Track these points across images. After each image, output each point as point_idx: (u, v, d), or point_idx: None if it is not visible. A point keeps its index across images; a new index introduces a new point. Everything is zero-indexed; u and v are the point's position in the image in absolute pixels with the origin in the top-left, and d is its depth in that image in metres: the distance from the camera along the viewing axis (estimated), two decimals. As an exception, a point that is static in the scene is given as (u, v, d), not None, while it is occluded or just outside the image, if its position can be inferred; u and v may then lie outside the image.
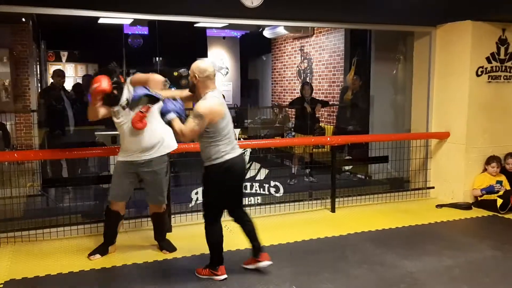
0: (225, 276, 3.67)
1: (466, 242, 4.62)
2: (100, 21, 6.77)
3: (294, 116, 8.09)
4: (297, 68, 10.24)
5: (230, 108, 10.41)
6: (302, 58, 10.03)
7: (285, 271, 3.85)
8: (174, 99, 3.67)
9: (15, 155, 4.94)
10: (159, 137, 3.93)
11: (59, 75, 6.68)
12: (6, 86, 8.24)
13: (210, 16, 5.10)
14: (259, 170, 5.55)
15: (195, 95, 3.62)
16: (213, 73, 3.57)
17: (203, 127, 3.39)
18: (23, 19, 8.12)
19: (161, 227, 4.32)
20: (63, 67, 9.66)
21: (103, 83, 3.66)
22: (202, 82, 3.51)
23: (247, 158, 5.52)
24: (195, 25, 7.40)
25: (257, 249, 3.79)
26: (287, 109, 9.24)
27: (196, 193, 5.21)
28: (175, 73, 10.95)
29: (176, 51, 8.74)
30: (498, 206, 5.47)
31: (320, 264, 4.00)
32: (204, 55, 10.06)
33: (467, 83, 5.77)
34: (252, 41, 10.98)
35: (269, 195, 5.56)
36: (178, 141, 4.09)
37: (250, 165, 5.53)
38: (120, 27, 8.20)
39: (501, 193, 5.58)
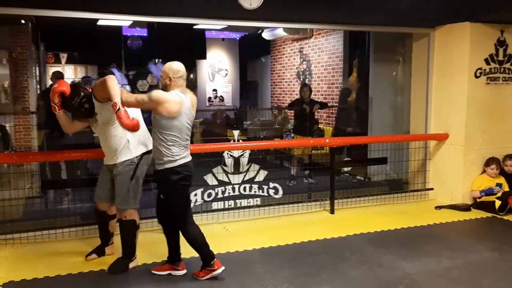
0: (223, 268, 3.67)
1: (465, 243, 4.62)
2: (99, 22, 6.78)
3: (293, 118, 8.10)
4: (296, 70, 10.25)
5: (229, 110, 10.44)
6: (301, 59, 10.04)
7: (284, 272, 3.85)
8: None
9: (14, 157, 4.94)
10: (123, 142, 3.79)
11: (58, 76, 6.68)
12: (5, 88, 8.24)
13: (209, 18, 5.11)
14: (258, 172, 5.54)
15: None
16: (185, 74, 3.64)
17: (148, 103, 3.46)
18: (23, 21, 8.12)
19: (121, 238, 3.93)
20: (63, 69, 9.65)
21: (61, 85, 3.70)
22: (175, 82, 3.58)
23: (245, 159, 5.53)
24: (194, 27, 7.41)
25: (177, 256, 3.82)
26: (286, 110, 9.26)
27: (195, 195, 5.21)
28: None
29: (175, 53, 8.72)
30: (497, 207, 5.47)
31: (319, 265, 4.00)
32: (203, 57, 10.08)
33: (465, 85, 5.78)
34: (251, 42, 11.00)
35: (268, 196, 5.56)
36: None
37: (249, 166, 5.53)
38: (119, 29, 8.21)
39: (499, 194, 5.58)
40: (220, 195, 5.36)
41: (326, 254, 4.28)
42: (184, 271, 3.79)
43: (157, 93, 3.48)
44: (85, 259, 4.07)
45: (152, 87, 9.20)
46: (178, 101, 3.50)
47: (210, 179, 5.33)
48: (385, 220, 5.30)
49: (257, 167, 5.55)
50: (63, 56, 10.03)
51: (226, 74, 11.44)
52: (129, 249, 3.93)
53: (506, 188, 5.75)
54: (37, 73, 8.56)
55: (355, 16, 5.51)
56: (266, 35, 9.73)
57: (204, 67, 11.18)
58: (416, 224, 5.15)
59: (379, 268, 3.96)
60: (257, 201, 5.52)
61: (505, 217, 5.42)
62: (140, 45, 9.14)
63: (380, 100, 7.18)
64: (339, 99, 8.46)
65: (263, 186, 5.54)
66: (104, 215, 4.10)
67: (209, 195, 5.30)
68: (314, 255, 4.25)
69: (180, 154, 3.54)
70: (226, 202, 5.40)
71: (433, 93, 6.18)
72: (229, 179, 5.41)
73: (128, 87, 3.81)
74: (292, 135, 7.79)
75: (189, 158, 3.65)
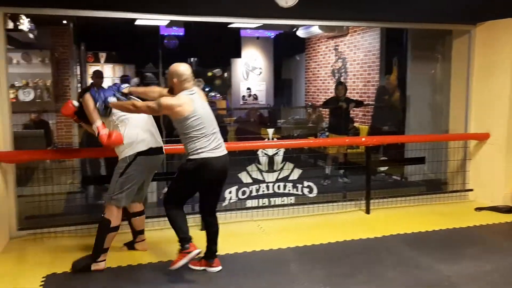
0: (199, 249, 3.64)
1: (506, 246, 4.47)
2: (137, 22, 6.91)
3: (327, 116, 8.04)
4: (331, 68, 10.16)
5: (263, 108, 10.44)
6: (336, 57, 9.94)
7: (318, 272, 3.83)
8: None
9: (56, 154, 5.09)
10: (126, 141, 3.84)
11: (98, 75, 6.88)
12: (47, 87, 8.55)
13: (245, 16, 5.13)
14: (292, 170, 5.53)
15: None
16: (190, 76, 3.68)
17: (159, 111, 3.58)
18: (64, 22, 8.40)
19: (97, 234, 3.88)
20: (102, 68, 9.92)
21: (65, 109, 3.98)
22: (179, 86, 3.65)
23: (280, 158, 5.53)
24: (230, 26, 7.45)
25: (212, 253, 3.83)
26: (320, 109, 9.19)
27: (230, 192, 5.26)
28: (209, 73, 11.09)
29: (211, 52, 8.82)
30: (541, 210, 5.28)
31: (354, 266, 3.96)
32: (238, 55, 10.12)
33: (508, 83, 5.58)
34: (285, 41, 10.96)
35: (302, 195, 5.54)
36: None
37: (284, 165, 5.53)
38: (156, 28, 8.35)
39: (544, 196, 5.37)
40: (254, 193, 5.38)
41: (361, 254, 4.23)
42: (219, 268, 3.82)
43: (166, 101, 3.55)
44: (120, 248, 4.24)
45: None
46: (188, 102, 3.56)
47: (244, 177, 5.36)
48: (422, 221, 5.19)
49: (291, 165, 5.54)
50: (102, 56, 10.29)
51: (260, 73, 11.45)
52: (95, 248, 3.82)
53: (551, 190, 5.53)
54: (78, 72, 8.82)
55: (393, 13, 5.42)
56: (300, 33, 9.69)
57: (239, 65, 11.23)
58: (455, 226, 5.02)
59: (416, 270, 3.88)
60: (291, 199, 5.51)
61: (550, 221, 5.22)
62: (176, 44, 9.27)
63: (418, 98, 7.04)
64: (375, 97, 8.34)
65: (297, 184, 5.52)
66: (125, 211, 4.13)
67: (243, 192, 5.33)
68: (349, 255, 4.21)
69: (203, 148, 3.59)
70: (260, 200, 5.41)
71: (474, 92, 6.00)
72: (263, 177, 5.43)
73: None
74: (327, 133, 7.73)
75: (216, 153, 3.64)
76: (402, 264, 3.99)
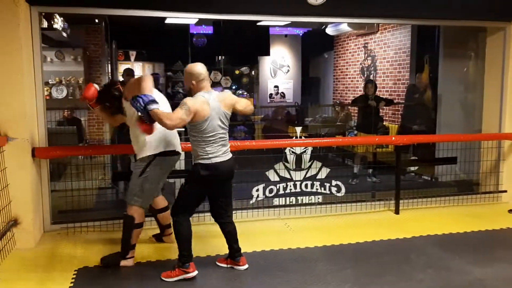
0: (196, 272, 3.64)
1: (542, 250, 4.34)
2: (167, 21, 7.00)
3: (356, 115, 7.95)
4: (360, 66, 10.04)
5: (290, 106, 10.41)
6: (366, 55, 9.82)
7: (347, 272, 3.80)
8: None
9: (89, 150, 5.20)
10: (141, 140, 3.83)
11: (129, 73, 6.98)
12: (80, 84, 8.74)
13: (274, 14, 5.13)
14: (320, 169, 5.50)
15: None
16: (207, 75, 3.65)
17: (189, 118, 3.43)
18: (96, 20, 8.57)
19: (122, 232, 3.94)
20: (132, 66, 10.07)
21: (87, 91, 3.95)
22: (198, 86, 3.60)
23: (308, 156, 5.50)
24: (258, 24, 7.45)
25: (235, 251, 3.83)
26: (349, 107, 9.10)
27: (257, 190, 5.27)
28: (237, 72, 11.12)
29: (239, 50, 8.85)
30: None
31: (383, 266, 3.91)
32: (267, 53, 10.11)
33: (545, 81, 5.41)
34: (314, 38, 10.90)
35: (330, 194, 5.50)
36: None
37: (311, 163, 5.50)
38: (186, 27, 8.43)
39: None
40: (281, 191, 5.37)
41: (390, 255, 4.17)
42: (246, 266, 3.82)
43: (192, 104, 3.43)
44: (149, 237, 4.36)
45: (215, 84, 9.38)
46: (205, 105, 3.51)
47: (271, 175, 5.36)
48: (453, 222, 5.08)
49: (319, 164, 5.50)
50: (132, 54, 10.44)
51: (288, 71, 11.42)
52: (123, 246, 3.89)
53: None
54: (109, 70, 8.99)
55: (425, 9, 5.31)
56: (329, 30, 9.61)
57: (266, 63, 11.22)
58: (488, 228, 4.90)
59: (447, 272, 3.80)
60: (318, 198, 5.49)
61: None
62: (205, 42, 9.33)
63: (449, 97, 6.89)
64: (405, 96, 8.20)
65: (325, 183, 5.49)
66: (151, 208, 4.23)
67: (271, 191, 5.33)
68: (378, 255, 4.16)
69: (214, 153, 3.57)
70: (288, 198, 5.41)
71: (509, 91, 5.83)
72: (290, 176, 5.42)
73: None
74: (355, 132, 7.65)
75: (224, 157, 3.64)
76: (432, 265, 3.92)
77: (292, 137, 6.34)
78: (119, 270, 3.83)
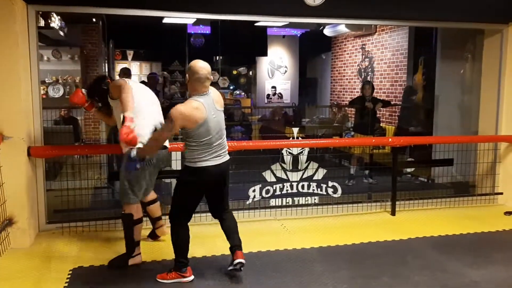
0: (192, 277, 3.61)
1: (538, 252, 4.34)
2: (165, 21, 6.98)
3: (353, 116, 7.95)
4: (358, 67, 10.05)
5: (287, 107, 10.42)
6: (363, 56, 9.83)
7: (343, 273, 3.80)
8: None
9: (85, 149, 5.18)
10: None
11: (126, 73, 6.97)
12: (77, 83, 8.71)
13: (272, 15, 5.12)
14: (316, 170, 5.50)
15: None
16: (205, 76, 3.41)
17: (173, 130, 3.35)
18: (94, 19, 8.54)
19: (124, 231, 3.96)
20: (129, 66, 10.04)
21: (74, 97, 4.08)
22: (191, 84, 3.43)
23: (304, 157, 5.50)
24: (256, 24, 7.45)
25: (232, 246, 3.67)
26: (346, 108, 9.10)
27: (254, 191, 5.26)
28: (235, 72, 11.11)
29: (237, 50, 8.83)
30: None
31: (379, 268, 3.91)
32: (264, 54, 10.11)
33: (542, 84, 5.42)
34: (312, 39, 10.89)
35: (327, 195, 5.50)
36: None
37: (308, 164, 5.50)
38: (183, 26, 8.41)
39: None
40: (278, 192, 5.37)
41: (386, 256, 4.17)
42: (240, 260, 3.59)
43: (177, 115, 3.29)
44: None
45: (212, 84, 9.36)
46: (197, 111, 3.34)
47: (268, 176, 5.35)
48: (449, 224, 5.08)
49: (315, 165, 5.50)
50: (130, 53, 10.43)
51: (286, 71, 11.42)
52: (128, 244, 3.90)
53: None
54: (106, 69, 8.96)
55: (423, 11, 5.31)
56: (327, 31, 9.61)
57: (264, 64, 11.22)
58: (484, 230, 4.90)
59: (443, 274, 3.80)
60: (315, 199, 5.48)
61: None
62: (202, 42, 9.32)
63: (446, 99, 6.90)
64: (402, 97, 8.21)
65: (321, 184, 5.48)
66: (140, 202, 4.15)
67: (267, 191, 5.32)
68: (374, 257, 4.16)
69: (203, 157, 3.45)
70: (284, 199, 5.40)
71: (505, 92, 5.84)
72: (287, 176, 5.41)
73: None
74: (352, 133, 7.65)
75: (215, 161, 3.49)
76: (428, 267, 3.92)
77: (289, 138, 6.34)
78: (114, 270, 3.82)
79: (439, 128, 6.89)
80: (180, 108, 3.33)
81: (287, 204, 5.39)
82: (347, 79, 10.58)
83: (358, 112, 7.34)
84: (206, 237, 4.54)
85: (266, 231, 4.85)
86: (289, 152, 5.44)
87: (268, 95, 11.29)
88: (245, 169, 5.45)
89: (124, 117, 3.54)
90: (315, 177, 5.49)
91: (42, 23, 6.60)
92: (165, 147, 4.03)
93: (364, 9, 5.13)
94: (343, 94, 10.67)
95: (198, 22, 8.63)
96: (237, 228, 3.76)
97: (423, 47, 7.68)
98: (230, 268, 3.61)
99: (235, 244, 3.66)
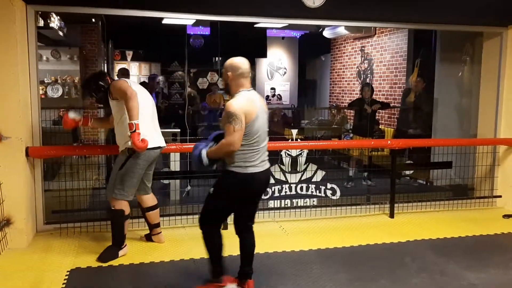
0: (235, 285, 3.37)
1: (536, 256, 4.34)
2: (164, 21, 6.97)
3: (352, 118, 7.95)
4: (357, 69, 10.06)
5: (286, 108, 10.40)
6: (363, 58, 9.83)
7: (341, 276, 3.79)
8: None
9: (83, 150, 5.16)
10: (125, 137, 3.90)
11: (124, 73, 6.97)
12: (75, 83, 8.70)
13: (272, 16, 5.11)
14: (315, 172, 5.50)
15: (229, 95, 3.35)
16: (247, 71, 3.23)
17: (243, 123, 3.05)
18: (93, 20, 8.53)
19: (111, 227, 4.09)
20: (128, 66, 10.04)
21: (65, 124, 4.19)
22: (235, 80, 3.21)
23: (303, 159, 5.49)
24: (255, 26, 7.44)
25: (246, 274, 3.41)
26: (345, 110, 9.10)
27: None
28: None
29: (236, 51, 8.77)
30: None
31: (377, 270, 3.90)
32: (264, 55, 10.11)
33: (541, 87, 5.42)
34: (311, 41, 10.89)
35: (325, 197, 5.50)
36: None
37: (307, 166, 5.49)
38: (183, 27, 8.40)
39: None
40: (276, 194, 5.36)
41: (385, 259, 4.16)
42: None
43: (238, 108, 3.05)
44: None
45: (211, 85, 9.36)
46: (252, 103, 3.14)
47: (267, 178, 5.34)
48: (448, 227, 5.08)
49: (314, 167, 5.50)
50: (129, 54, 10.43)
51: (285, 73, 11.42)
52: (117, 237, 4.04)
53: None
54: (105, 69, 8.95)
55: (422, 14, 5.32)
56: (327, 33, 9.62)
57: (263, 65, 11.22)
58: (482, 233, 4.90)
59: (441, 276, 3.80)
60: (313, 201, 5.48)
61: None
62: (202, 43, 9.32)
63: (445, 101, 6.91)
64: (401, 99, 8.21)
65: (320, 186, 5.48)
66: (140, 206, 4.33)
67: (266, 193, 5.31)
68: (372, 259, 4.15)
69: (253, 161, 3.17)
70: (283, 201, 5.39)
71: (504, 95, 5.84)
72: (286, 178, 5.41)
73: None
74: (351, 135, 7.65)
75: (262, 167, 3.22)
76: (427, 270, 3.92)
77: (288, 139, 6.33)
78: (111, 271, 3.81)
79: (438, 131, 6.89)
80: (236, 102, 3.11)
81: (286, 206, 5.39)
82: (346, 81, 10.58)
83: (357, 114, 7.34)
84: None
85: (265, 233, 4.84)
86: (288, 154, 5.44)
87: (267, 96, 11.29)
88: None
89: (130, 124, 3.73)
90: (313, 179, 5.49)
91: (41, 23, 6.59)
92: (160, 147, 4.06)
93: (364, 11, 5.13)
94: (342, 96, 10.67)
95: (198, 23, 8.62)
96: (253, 252, 3.49)
97: (422, 49, 7.69)
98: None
99: (249, 272, 3.43)
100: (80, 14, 5.78)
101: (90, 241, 4.45)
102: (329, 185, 5.50)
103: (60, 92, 8.52)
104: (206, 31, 9.35)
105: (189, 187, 5.94)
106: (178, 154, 5.63)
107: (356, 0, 5.04)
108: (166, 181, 5.82)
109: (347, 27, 8.69)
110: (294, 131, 6.09)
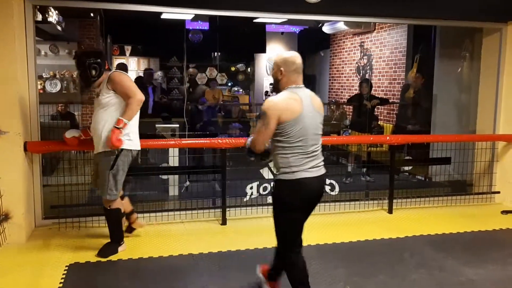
0: None
1: (534, 252, 4.35)
2: (163, 16, 6.95)
3: (351, 114, 7.94)
4: (356, 65, 10.04)
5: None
6: (362, 54, 9.81)
7: (339, 271, 3.80)
8: None
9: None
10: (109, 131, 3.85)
11: (122, 68, 6.95)
12: (74, 78, 8.68)
13: (271, 11, 5.10)
14: (314, 167, 5.48)
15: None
16: (301, 66, 2.97)
17: (272, 126, 2.78)
18: (92, 14, 8.50)
19: (108, 225, 4.09)
20: (127, 61, 10.02)
21: (69, 145, 4.31)
22: (287, 77, 2.92)
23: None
24: (255, 21, 7.42)
25: (277, 275, 3.16)
26: (344, 106, 9.10)
27: (251, 188, 5.25)
28: (233, 68, 11.09)
29: (235, 46, 8.79)
30: None
31: (375, 266, 3.90)
32: (263, 50, 10.09)
33: (541, 83, 5.42)
34: (310, 36, 10.88)
35: (324, 193, 5.48)
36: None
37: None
38: (182, 22, 8.38)
39: None
40: (275, 189, 5.35)
41: (383, 254, 4.17)
42: None
43: (271, 105, 2.81)
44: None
45: (210, 80, 9.34)
46: (294, 101, 2.84)
47: (266, 173, 5.34)
48: (446, 222, 5.09)
49: (313, 162, 5.48)
50: (128, 49, 10.40)
51: (284, 68, 11.39)
52: (116, 234, 4.09)
53: None
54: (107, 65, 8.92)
55: (422, 9, 5.30)
56: (326, 29, 9.59)
57: (262, 61, 11.20)
58: (480, 229, 4.91)
59: (439, 272, 3.81)
60: (312, 197, 5.46)
61: None
62: (200, 38, 9.30)
63: (444, 97, 6.91)
64: (400, 95, 8.20)
65: (319, 182, 5.46)
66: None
67: (265, 188, 5.31)
68: (371, 255, 4.16)
69: (300, 165, 2.84)
70: (282, 196, 5.38)
71: (504, 91, 5.84)
72: (285, 174, 5.39)
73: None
74: (350, 131, 7.64)
75: (314, 173, 2.89)
76: (425, 265, 3.92)
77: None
78: (109, 265, 3.81)
79: (437, 127, 6.89)
80: (272, 99, 2.87)
81: (285, 201, 5.38)
82: (345, 76, 10.57)
83: (355, 109, 7.33)
84: (202, 234, 4.54)
85: (263, 228, 4.82)
86: (287, 149, 5.42)
87: (266, 92, 11.27)
88: (242, 166, 5.44)
89: (120, 120, 3.76)
90: (312, 175, 5.47)
91: (39, 17, 6.56)
92: (138, 150, 4.10)
93: (363, 7, 5.12)
94: (341, 92, 10.66)
95: (197, 18, 8.60)
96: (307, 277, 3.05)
97: (421, 45, 7.68)
98: None
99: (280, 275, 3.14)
100: (79, 8, 5.77)
101: (88, 236, 4.45)
102: (328, 181, 5.49)
103: (58, 87, 8.51)
104: (205, 26, 9.33)
105: (188, 183, 5.93)
106: (177, 150, 5.63)
107: (356, -5, 5.04)
108: (165, 177, 5.81)
109: (346, 23, 8.67)
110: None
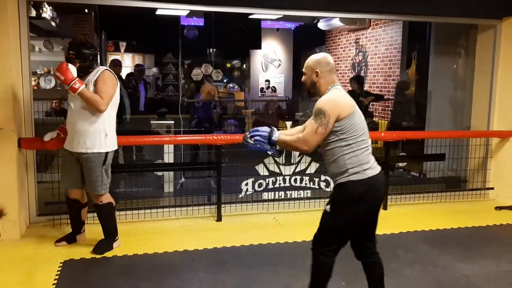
0: None
1: (528, 247, 4.38)
2: (158, 12, 6.91)
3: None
4: (352, 61, 10.05)
5: (281, 100, 10.39)
6: (357, 50, 9.82)
7: (335, 267, 3.79)
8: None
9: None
10: (98, 131, 3.82)
11: (116, 64, 6.91)
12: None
13: (267, 7, 5.09)
14: (309, 164, 5.50)
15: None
16: (335, 66, 2.89)
17: (331, 125, 2.64)
18: (86, 10, 8.45)
19: (101, 222, 4.06)
20: (122, 57, 9.98)
21: (51, 148, 4.21)
22: (325, 78, 2.79)
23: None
24: (250, 17, 7.40)
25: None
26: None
27: (246, 184, 5.25)
28: (228, 65, 11.07)
29: (230, 43, 8.76)
30: None
31: (370, 261, 3.91)
32: (258, 46, 10.07)
33: (534, 80, 5.45)
34: (306, 33, 10.86)
35: (319, 189, 5.51)
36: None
37: (301, 158, 5.49)
38: (177, 18, 8.34)
39: None
40: (270, 186, 5.36)
41: (378, 250, 4.17)
42: None
43: (321, 102, 2.69)
44: (54, 245, 4.11)
45: (206, 77, 9.32)
46: (347, 97, 2.76)
47: (261, 169, 5.35)
48: (441, 218, 5.12)
49: (308, 159, 5.50)
50: (122, 45, 10.36)
51: (279, 65, 11.39)
52: (111, 230, 4.06)
53: None
54: (99, 61, 8.88)
55: (417, 6, 5.31)
56: (321, 25, 9.59)
57: (258, 57, 11.18)
58: (474, 225, 4.94)
59: (434, 268, 3.83)
60: (307, 193, 5.49)
61: None
62: (196, 34, 9.25)
63: (439, 93, 6.93)
64: (395, 92, 8.23)
65: (314, 178, 5.49)
66: (76, 203, 4.11)
67: (260, 185, 5.32)
68: (365, 250, 4.16)
69: (368, 162, 2.72)
70: (277, 192, 5.40)
71: (498, 88, 5.87)
72: (280, 170, 5.41)
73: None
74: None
75: (378, 168, 2.78)
76: (420, 262, 3.94)
77: (282, 131, 6.32)
78: (104, 262, 3.81)
79: (432, 123, 6.91)
80: (330, 97, 2.71)
81: (280, 197, 5.40)
82: (340, 73, 10.57)
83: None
84: (198, 230, 4.54)
85: (259, 224, 4.85)
86: (282, 146, 5.42)
87: (262, 88, 11.27)
88: (238, 162, 5.44)
89: (81, 82, 3.66)
90: (307, 171, 5.49)
91: (33, 13, 6.52)
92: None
93: (358, 3, 5.12)
94: (337, 88, 10.65)
95: (192, 14, 8.56)
96: (383, 281, 3.01)
97: (417, 42, 7.69)
98: None
99: None
100: (73, 4, 5.73)
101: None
102: (323, 177, 5.50)
103: (52, 83, 8.43)
104: (200, 22, 9.29)
105: (183, 179, 5.93)
106: (171, 146, 5.61)
107: (351, -8, 5.03)
108: (160, 173, 5.80)
109: (341, 19, 8.67)
110: (289, 123, 6.08)
